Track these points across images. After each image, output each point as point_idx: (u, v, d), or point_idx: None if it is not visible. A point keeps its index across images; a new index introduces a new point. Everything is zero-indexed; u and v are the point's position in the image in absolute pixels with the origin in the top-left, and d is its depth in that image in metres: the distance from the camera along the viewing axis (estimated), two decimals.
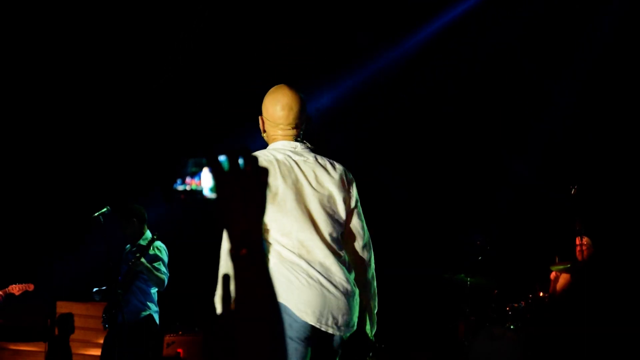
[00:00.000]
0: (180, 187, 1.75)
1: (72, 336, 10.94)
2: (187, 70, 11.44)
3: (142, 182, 11.29)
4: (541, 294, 9.46)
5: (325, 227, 4.28)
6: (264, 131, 4.54)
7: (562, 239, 9.69)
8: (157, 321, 8.51)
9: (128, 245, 8.42)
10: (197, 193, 1.74)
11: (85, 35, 10.80)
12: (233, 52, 11.66)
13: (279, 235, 4.14)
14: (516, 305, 9.45)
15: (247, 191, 1.71)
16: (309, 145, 4.50)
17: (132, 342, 8.07)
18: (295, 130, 4.46)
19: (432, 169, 12.82)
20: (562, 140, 11.94)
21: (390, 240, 12.90)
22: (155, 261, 8.23)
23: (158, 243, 8.50)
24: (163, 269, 8.22)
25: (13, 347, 11.16)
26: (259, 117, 4.53)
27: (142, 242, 8.43)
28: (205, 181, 1.74)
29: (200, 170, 1.74)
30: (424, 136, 12.83)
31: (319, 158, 4.48)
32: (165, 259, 8.33)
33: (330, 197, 4.35)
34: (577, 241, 9.12)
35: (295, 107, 4.45)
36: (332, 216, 4.32)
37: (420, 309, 12.19)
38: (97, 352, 10.02)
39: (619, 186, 11.43)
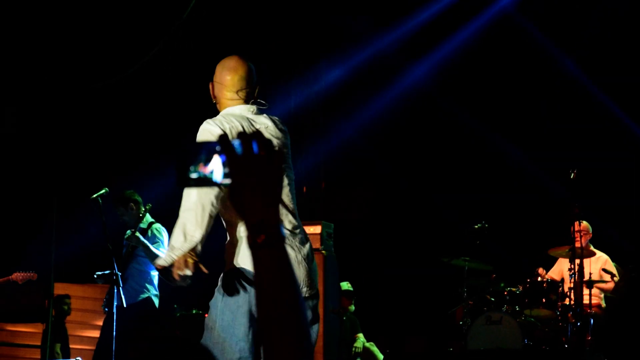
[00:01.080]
0: (194, 175, 1.72)
1: (69, 317, 10.93)
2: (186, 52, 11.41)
3: (139, 163, 11.27)
4: (539, 278, 9.47)
5: (286, 193, 4.51)
6: (214, 97, 4.74)
7: (560, 224, 9.71)
8: (157, 304, 8.50)
9: (129, 231, 8.39)
10: (210, 180, 1.71)
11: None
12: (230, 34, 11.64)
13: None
14: (514, 289, 9.46)
15: (260, 175, 1.69)
16: (262, 103, 4.73)
17: (130, 324, 8.06)
18: (242, 92, 4.67)
19: (428, 154, 12.83)
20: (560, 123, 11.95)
21: (390, 227, 12.93)
22: (154, 243, 8.22)
23: (157, 225, 8.49)
24: (162, 249, 8.20)
25: (10, 328, 11.15)
26: (209, 84, 4.74)
27: (143, 226, 8.42)
28: (218, 167, 1.72)
29: (214, 156, 1.72)
30: (418, 123, 12.85)
31: (271, 118, 4.70)
32: (165, 240, 8.31)
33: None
34: (576, 226, 9.13)
35: (242, 72, 4.68)
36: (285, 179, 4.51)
37: (418, 294, 12.21)
38: (94, 333, 10.01)
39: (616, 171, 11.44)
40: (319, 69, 13.46)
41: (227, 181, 1.71)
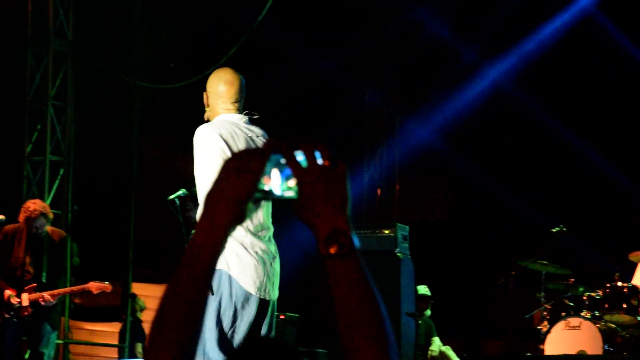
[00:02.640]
0: (260, 187, 1.67)
1: (147, 317, 11.04)
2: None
3: None
4: (619, 283, 9.28)
5: None
6: (208, 105, 5.10)
7: None
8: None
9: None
10: (272, 193, 1.67)
11: None
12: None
13: None
14: (593, 294, 9.30)
15: (328, 184, 1.67)
16: (254, 114, 5.13)
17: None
18: (236, 104, 5.07)
19: (506, 154, 12.70)
20: None
21: (467, 229, 12.82)
22: None
23: None
24: None
25: (89, 327, 11.31)
26: (204, 93, 5.12)
27: None
28: (282, 180, 1.67)
29: (280, 168, 1.67)
30: (495, 123, 12.71)
31: (260, 130, 5.10)
32: None
33: None
34: None
35: (236, 83, 5.09)
36: None
37: (495, 297, 12.08)
38: None
39: None
40: (395, 68, 13.42)
41: (292, 193, 1.67)
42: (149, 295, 10.96)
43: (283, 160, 1.66)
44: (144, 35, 11.26)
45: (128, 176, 11.26)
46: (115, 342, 10.93)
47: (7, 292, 8.22)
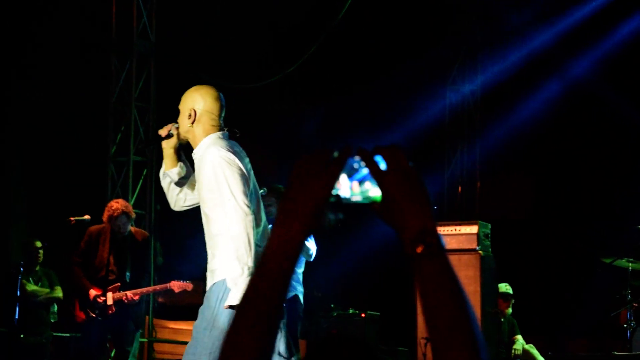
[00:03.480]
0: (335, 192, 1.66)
1: None
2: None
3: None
4: None
5: None
6: (194, 121, 5.07)
7: None
8: (302, 301, 8.56)
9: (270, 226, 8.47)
10: (344, 198, 1.66)
11: None
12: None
13: None
14: None
15: (413, 184, 1.67)
16: (237, 133, 5.27)
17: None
18: (221, 119, 5.16)
19: (589, 149, 12.51)
20: None
21: (550, 226, 12.66)
22: None
23: None
24: (309, 240, 8.24)
25: (173, 325, 11.43)
26: (191, 110, 5.08)
27: None
28: (355, 185, 1.66)
29: (350, 173, 1.66)
30: (578, 119, 12.53)
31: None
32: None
33: None
34: None
35: (222, 100, 5.18)
36: None
37: (579, 295, 11.92)
38: None
39: None
40: (476, 66, 13.32)
41: (360, 198, 1.66)
42: None
43: (356, 165, 1.66)
44: (225, 36, 11.35)
45: None
46: None
47: (93, 292, 8.36)
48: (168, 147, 5.17)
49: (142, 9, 11.11)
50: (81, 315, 8.48)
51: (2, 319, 9.51)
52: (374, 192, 1.65)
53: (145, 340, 10.48)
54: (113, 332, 8.59)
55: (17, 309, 8.81)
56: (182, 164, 5.22)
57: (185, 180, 5.26)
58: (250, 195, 4.95)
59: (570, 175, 12.66)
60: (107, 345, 9.14)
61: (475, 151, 13.48)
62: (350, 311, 10.38)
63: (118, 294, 8.35)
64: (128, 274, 8.47)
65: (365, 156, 1.66)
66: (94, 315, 8.37)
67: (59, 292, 9.61)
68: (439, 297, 1.62)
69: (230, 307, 4.78)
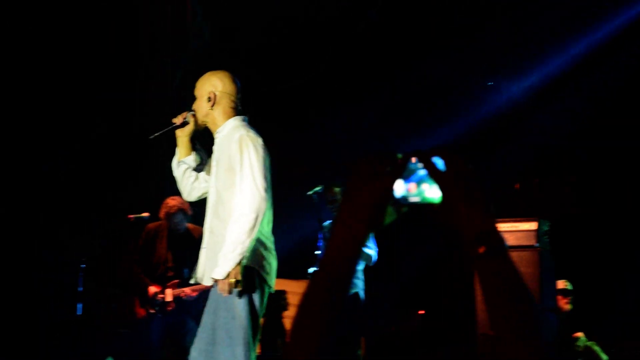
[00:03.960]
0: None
1: (285, 313, 11.16)
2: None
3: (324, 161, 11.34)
4: None
5: None
6: (214, 105, 5.14)
7: None
8: (363, 298, 8.56)
9: (327, 222, 8.49)
10: (403, 199, 1.68)
11: None
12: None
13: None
14: None
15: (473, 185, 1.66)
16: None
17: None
18: (239, 101, 5.24)
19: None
20: None
21: (611, 222, 12.51)
22: None
23: None
24: (370, 243, 8.25)
25: None
26: (210, 93, 5.14)
27: None
28: (413, 186, 1.68)
29: (407, 175, 1.67)
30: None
31: None
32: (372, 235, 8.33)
33: None
34: None
35: (238, 82, 5.27)
36: None
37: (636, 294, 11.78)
38: None
39: None
40: (530, 61, 13.18)
41: (418, 199, 1.67)
42: (288, 291, 11.07)
43: (413, 166, 1.67)
44: (262, 33, 11.36)
45: None
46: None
47: (152, 289, 8.44)
48: (183, 135, 5.23)
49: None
50: (141, 312, 8.56)
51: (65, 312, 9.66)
52: (431, 193, 1.67)
53: None
54: (173, 328, 8.67)
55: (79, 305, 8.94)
56: (196, 151, 5.28)
57: (202, 167, 5.31)
58: (268, 184, 4.97)
59: (632, 170, 12.50)
60: (167, 341, 9.23)
61: (532, 147, 13.36)
62: (409, 308, 10.35)
63: (177, 291, 8.42)
64: (186, 270, 8.53)
65: (423, 158, 1.67)
66: (154, 312, 8.45)
67: None
68: (503, 296, 1.63)
69: (215, 280, 4.87)
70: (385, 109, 11.96)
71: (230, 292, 4.84)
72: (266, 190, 4.90)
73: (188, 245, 8.54)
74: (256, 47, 11.29)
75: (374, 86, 11.74)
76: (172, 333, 8.78)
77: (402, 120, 11.84)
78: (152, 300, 8.42)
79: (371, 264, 8.39)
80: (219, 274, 4.81)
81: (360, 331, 8.88)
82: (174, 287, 8.44)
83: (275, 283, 5.18)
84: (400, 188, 1.67)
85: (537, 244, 9.11)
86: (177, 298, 8.43)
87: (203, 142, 5.37)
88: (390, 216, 1.69)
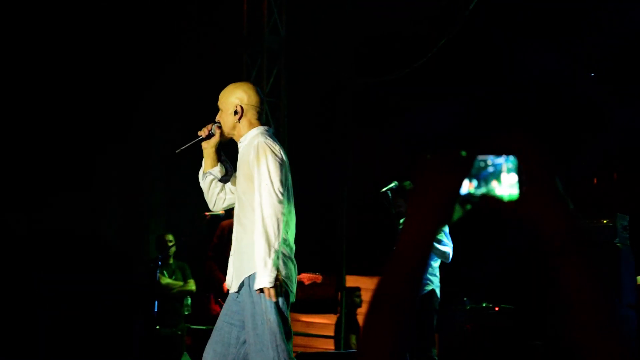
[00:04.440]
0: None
1: (360, 310, 11.17)
2: None
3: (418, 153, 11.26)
4: None
5: None
6: (241, 118, 5.22)
7: None
8: (439, 295, 8.53)
9: (403, 220, 8.44)
10: (472, 197, 1.67)
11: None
12: None
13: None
14: None
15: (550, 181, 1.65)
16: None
17: (417, 316, 8.11)
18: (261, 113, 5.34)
19: None
20: None
21: None
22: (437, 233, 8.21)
23: None
24: (445, 240, 8.20)
25: (305, 319, 11.53)
26: (237, 106, 5.22)
27: None
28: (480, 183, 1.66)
29: (476, 171, 1.66)
30: None
31: None
32: (446, 229, 8.29)
33: None
34: None
35: (261, 95, 5.38)
36: None
37: None
38: None
39: None
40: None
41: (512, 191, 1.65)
42: (363, 288, 11.07)
43: (482, 163, 1.66)
44: (355, 29, 11.36)
45: (341, 169, 11.41)
46: (331, 333, 11.10)
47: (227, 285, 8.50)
48: (209, 147, 5.30)
49: (272, 5, 11.23)
50: (216, 308, 8.62)
51: (141, 311, 9.79)
52: (501, 190, 1.66)
53: None
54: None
55: (156, 301, 9.04)
56: (222, 162, 5.35)
57: (228, 178, 5.38)
58: (287, 190, 5.09)
59: None
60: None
61: (611, 141, 13.14)
62: (484, 304, 10.26)
63: None
64: None
65: (500, 152, 1.66)
66: None
67: (192, 285, 9.84)
68: (584, 293, 1.61)
69: (261, 290, 4.91)
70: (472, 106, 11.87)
71: (277, 296, 4.93)
72: (283, 195, 5.01)
73: None
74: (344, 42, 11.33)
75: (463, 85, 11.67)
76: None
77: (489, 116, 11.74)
78: (227, 296, 8.47)
79: (447, 262, 8.34)
80: (267, 282, 4.88)
81: (436, 329, 8.84)
82: None
83: (293, 287, 5.22)
84: (466, 185, 1.66)
85: (616, 240, 8.96)
86: None
87: (228, 152, 5.45)
88: (456, 213, 1.68)
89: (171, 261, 9.84)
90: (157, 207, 11.08)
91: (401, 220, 8.45)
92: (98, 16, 10.95)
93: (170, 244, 9.83)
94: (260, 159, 5.01)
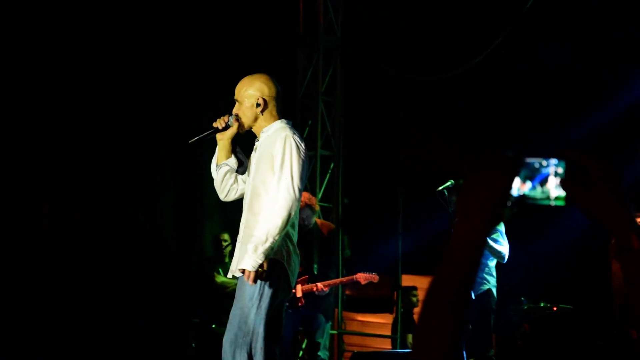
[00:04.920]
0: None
1: (416, 309, 11.12)
2: None
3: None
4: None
5: None
6: (264, 110, 5.25)
7: None
8: (495, 295, 8.47)
9: None
10: (528, 198, 1.67)
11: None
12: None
13: None
14: None
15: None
16: None
17: (474, 316, 8.08)
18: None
19: None
20: None
21: None
22: (493, 233, 8.15)
23: None
24: (501, 240, 8.14)
25: (361, 318, 11.53)
26: (259, 98, 5.24)
27: None
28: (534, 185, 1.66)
29: (529, 174, 1.66)
30: None
31: None
32: (502, 229, 8.23)
33: None
34: None
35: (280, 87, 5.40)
36: None
37: None
38: None
39: None
40: None
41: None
42: (419, 287, 11.03)
43: (537, 165, 1.66)
44: (408, 29, 11.31)
45: (395, 168, 11.38)
46: (387, 333, 11.08)
47: None
48: (225, 139, 5.33)
49: (328, 4, 11.25)
50: None
51: (197, 309, 9.85)
52: (556, 192, 1.66)
53: (334, 332, 10.61)
54: (304, 323, 8.72)
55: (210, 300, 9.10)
56: (235, 154, 5.39)
57: (244, 169, 5.40)
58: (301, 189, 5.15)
59: None
60: (299, 337, 9.30)
61: None
62: (542, 304, 10.16)
63: (307, 286, 8.46)
64: (315, 266, 8.57)
65: (562, 157, 1.66)
66: (285, 308, 8.51)
67: None
68: None
69: (242, 270, 4.98)
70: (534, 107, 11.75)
71: (255, 282, 4.99)
72: (300, 193, 5.10)
73: (317, 241, 8.58)
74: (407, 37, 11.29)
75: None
76: (304, 328, 8.84)
77: (541, 119, 11.60)
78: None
79: (503, 262, 8.29)
80: (249, 265, 4.95)
81: (492, 329, 8.78)
82: (303, 283, 8.48)
83: (292, 282, 5.32)
84: (518, 186, 1.66)
85: None
86: (308, 294, 8.46)
87: (241, 143, 5.46)
88: (506, 214, 1.67)
89: (227, 260, 9.89)
90: (213, 207, 11.12)
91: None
92: (153, 11, 11.02)
93: (226, 243, 9.91)
94: (286, 153, 5.06)
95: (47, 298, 10.37)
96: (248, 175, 5.37)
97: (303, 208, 8.48)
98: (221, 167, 5.40)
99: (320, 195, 10.78)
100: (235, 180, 5.42)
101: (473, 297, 7.70)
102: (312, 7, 11.25)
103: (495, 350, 9.12)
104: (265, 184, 5.14)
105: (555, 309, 10.08)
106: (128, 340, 10.36)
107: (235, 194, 5.46)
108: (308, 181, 11.04)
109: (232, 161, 5.38)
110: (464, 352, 7.60)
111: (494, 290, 8.47)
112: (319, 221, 8.76)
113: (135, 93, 10.91)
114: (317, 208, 8.83)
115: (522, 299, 10.23)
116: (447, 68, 11.09)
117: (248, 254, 4.96)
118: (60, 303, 10.37)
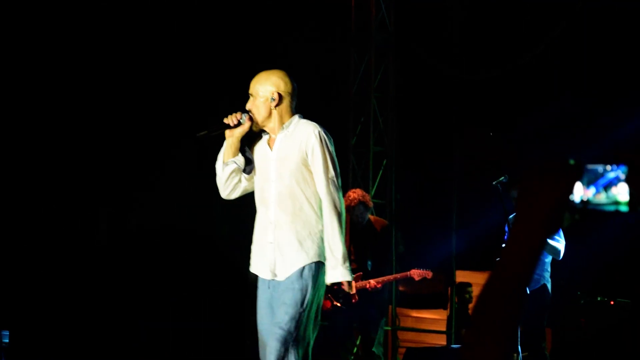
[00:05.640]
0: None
1: (471, 305, 11.07)
2: None
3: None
4: None
5: None
6: (277, 105, 5.15)
7: None
8: (550, 291, 8.42)
9: (512, 215, 8.35)
10: (590, 204, 1.66)
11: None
12: None
13: None
14: None
15: None
16: None
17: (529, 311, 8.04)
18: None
19: None
20: None
21: None
22: None
23: None
24: (558, 237, 8.08)
25: (415, 314, 11.51)
26: (274, 93, 5.13)
27: None
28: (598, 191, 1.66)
29: (590, 179, 1.65)
30: None
31: None
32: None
33: None
34: None
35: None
36: None
37: None
38: None
39: None
40: None
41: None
42: (473, 283, 10.98)
43: (601, 170, 1.65)
44: (464, 26, 11.26)
45: (449, 165, 11.34)
46: (442, 329, 11.06)
47: None
48: (234, 137, 5.22)
49: (380, 1, 11.22)
50: (327, 304, 8.66)
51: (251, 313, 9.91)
52: (623, 197, 1.66)
53: (389, 328, 10.62)
54: (358, 320, 8.74)
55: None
56: (243, 152, 5.32)
57: (252, 168, 5.31)
58: None
59: None
60: (353, 333, 9.32)
61: None
62: (599, 299, 10.08)
63: (361, 283, 8.47)
64: (369, 262, 8.58)
65: (624, 161, 1.66)
66: (339, 305, 8.53)
67: None
68: None
69: (340, 284, 5.12)
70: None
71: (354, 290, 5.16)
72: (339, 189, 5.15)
73: (370, 238, 8.59)
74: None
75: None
76: (358, 325, 8.86)
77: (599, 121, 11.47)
78: (337, 293, 8.51)
79: (559, 259, 8.24)
80: (349, 276, 5.07)
81: (547, 324, 8.73)
82: (357, 279, 8.49)
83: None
84: (580, 192, 1.65)
85: None
86: (362, 290, 8.48)
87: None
88: (566, 221, 1.67)
89: None
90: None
91: (511, 217, 8.36)
92: (206, 11, 11.11)
93: None
94: (324, 149, 5.06)
95: (102, 301, 10.52)
96: (255, 174, 5.32)
97: (357, 205, 8.49)
98: (228, 165, 5.30)
99: (373, 192, 10.78)
100: (240, 178, 5.35)
101: (528, 292, 7.67)
102: (364, 4, 11.23)
103: (551, 345, 9.07)
104: (302, 183, 5.11)
105: (612, 303, 9.99)
106: (180, 344, 10.48)
107: (239, 192, 5.40)
108: (361, 178, 11.06)
109: (240, 160, 5.28)
110: (519, 347, 7.58)
111: (549, 286, 8.42)
112: (372, 218, 8.76)
113: (190, 97, 11.02)
114: (371, 205, 8.83)
115: (579, 293, 10.16)
116: (497, 66, 11.02)
117: (338, 265, 5.03)
118: (115, 306, 10.52)
